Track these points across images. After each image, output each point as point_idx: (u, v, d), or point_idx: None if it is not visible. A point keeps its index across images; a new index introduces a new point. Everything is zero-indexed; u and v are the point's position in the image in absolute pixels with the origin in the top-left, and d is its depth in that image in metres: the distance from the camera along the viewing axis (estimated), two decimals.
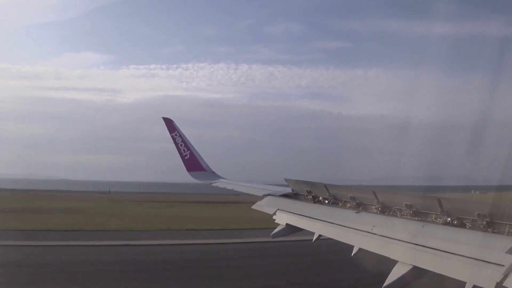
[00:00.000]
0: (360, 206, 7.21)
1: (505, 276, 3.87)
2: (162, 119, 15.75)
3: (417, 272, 4.89)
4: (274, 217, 8.84)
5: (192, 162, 15.49)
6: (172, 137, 15.43)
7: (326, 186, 8.22)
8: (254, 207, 10.10)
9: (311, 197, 8.70)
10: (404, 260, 5.10)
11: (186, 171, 15.64)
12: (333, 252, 11.92)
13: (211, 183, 14.94)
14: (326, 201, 8.14)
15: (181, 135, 15.49)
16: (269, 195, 10.16)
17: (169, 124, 15.53)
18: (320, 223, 7.34)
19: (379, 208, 6.64)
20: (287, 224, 8.23)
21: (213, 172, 15.84)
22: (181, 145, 15.44)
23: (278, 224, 8.51)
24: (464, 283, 4.18)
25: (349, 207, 7.43)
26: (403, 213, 6.13)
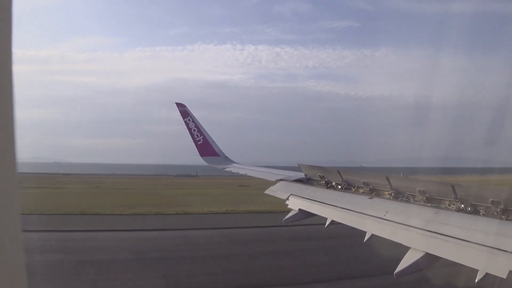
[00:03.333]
0: (373, 191, 7.20)
1: None
2: (175, 104, 15.83)
3: (429, 259, 4.89)
4: (287, 202, 8.90)
5: (206, 147, 15.61)
6: (186, 122, 15.52)
7: (339, 171, 8.21)
8: (267, 192, 10.16)
9: (324, 182, 8.71)
10: (416, 246, 5.10)
11: (198, 155, 15.77)
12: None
13: (224, 168, 15.06)
14: (339, 187, 8.14)
15: (194, 120, 15.58)
16: (282, 180, 10.20)
17: (182, 109, 15.62)
18: (332, 209, 7.37)
19: (392, 194, 6.63)
20: (300, 209, 8.27)
21: (226, 157, 15.95)
22: (194, 130, 15.54)
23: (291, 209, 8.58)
24: (477, 270, 4.17)
25: (362, 192, 7.42)
26: (416, 199, 6.11)
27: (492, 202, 4.79)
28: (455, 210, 5.30)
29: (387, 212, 6.14)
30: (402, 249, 5.25)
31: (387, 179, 6.72)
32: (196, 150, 15.63)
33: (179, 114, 15.57)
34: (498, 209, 4.74)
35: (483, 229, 4.61)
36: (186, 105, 15.74)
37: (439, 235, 4.98)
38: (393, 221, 5.88)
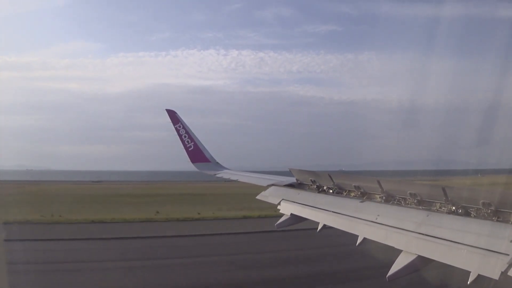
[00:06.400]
0: (364, 195, 7.19)
1: (510, 265, 3.86)
2: (165, 111, 15.72)
3: (421, 262, 4.88)
4: (278, 207, 8.85)
5: (196, 154, 15.52)
6: (176, 128, 15.43)
7: (330, 176, 8.20)
8: (258, 197, 10.11)
9: (315, 186, 8.69)
10: (408, 249, 5.09)
11: (186, 161, 15.67)
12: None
13: (215, 174, 14.98)
14: (331, 191, 8.13)
15: (184, 127, 15.50)
16: (273, 185, 10.15)
17: (173, 116, 15.52)
18: (324, 213, 7.35)
19: (384, 197, 6.63)
20: (291, 214, 8.23)
21: (217, 163, 15.88)
22: (185, 136, 15.45)
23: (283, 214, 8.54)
24: (469, 272, 4.17)
25: (354, 196, 7.42)
26: (407, 202, 6.12)
27: (483, 203, 4.81)
28: (446, 213, 5.31)
29: (378, 215, 6.13)
30: (394, 252, 5.24)
31: (378, 182, 6.73)
32: (187, 156, 15.54)
33: (169, 120, 15.47)
34: (489, 211, 4.76)
35: (474, 230, 4.62)
36: (176, 112, 15.67)
37: (431, 238, 4.98)
38: (385, 224, 5.87)
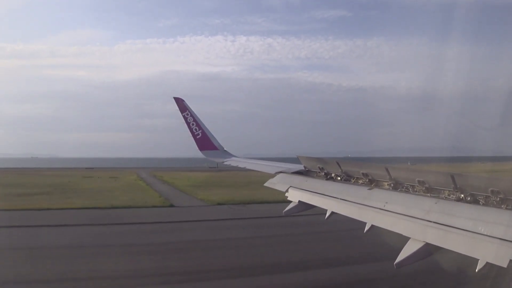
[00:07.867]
0: (372, 182, 7.19)
1: None
2: (173, 99, 15.75)
3: (429, 249, 4.90)
4: (286, 194, 8.90)
5: (204, 141, 15.58)
6: (184, 116, 15.47)
7: (338, 163, 8.19)
8: (266, 184, 10.16)
9: (323, 174, 8.69)
10: (416, 236, 5.11)
11: (195, 148, 15.74)
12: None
13: (223, 162, 15.06)
14: (339, 178, 8.13)
15: (192, 115, 15.53)
16: (281, 172, 10.18)
17: (181, 103, 15.55)
18: (332, 200, 7.37)
19: (392, 185, 6.62)
20: (299, 201, 8.28)
21: (225, 150, 15.94)
22: (192, 124, 15.49)
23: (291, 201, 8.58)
24: (477, 260, 4.18)
25: (362, 183, 7.41)
26: (415, 189, 6.10)
27: (492, 191, 4.79)
28: (454, 200, 5.30)
29: (386, 202, 6.14)
30: (402, 240, 5.26)
31: (387, 169, 6.71)
32: (195, 144, 15.60)
33: (177, 108, 15.50)
34: (498, 199, 4.74)
35: (483, 218, 4.60)
36: (184, 100, 15.68)
37: (439, 225, 4.98)
38: (393, 212, 5.88)
